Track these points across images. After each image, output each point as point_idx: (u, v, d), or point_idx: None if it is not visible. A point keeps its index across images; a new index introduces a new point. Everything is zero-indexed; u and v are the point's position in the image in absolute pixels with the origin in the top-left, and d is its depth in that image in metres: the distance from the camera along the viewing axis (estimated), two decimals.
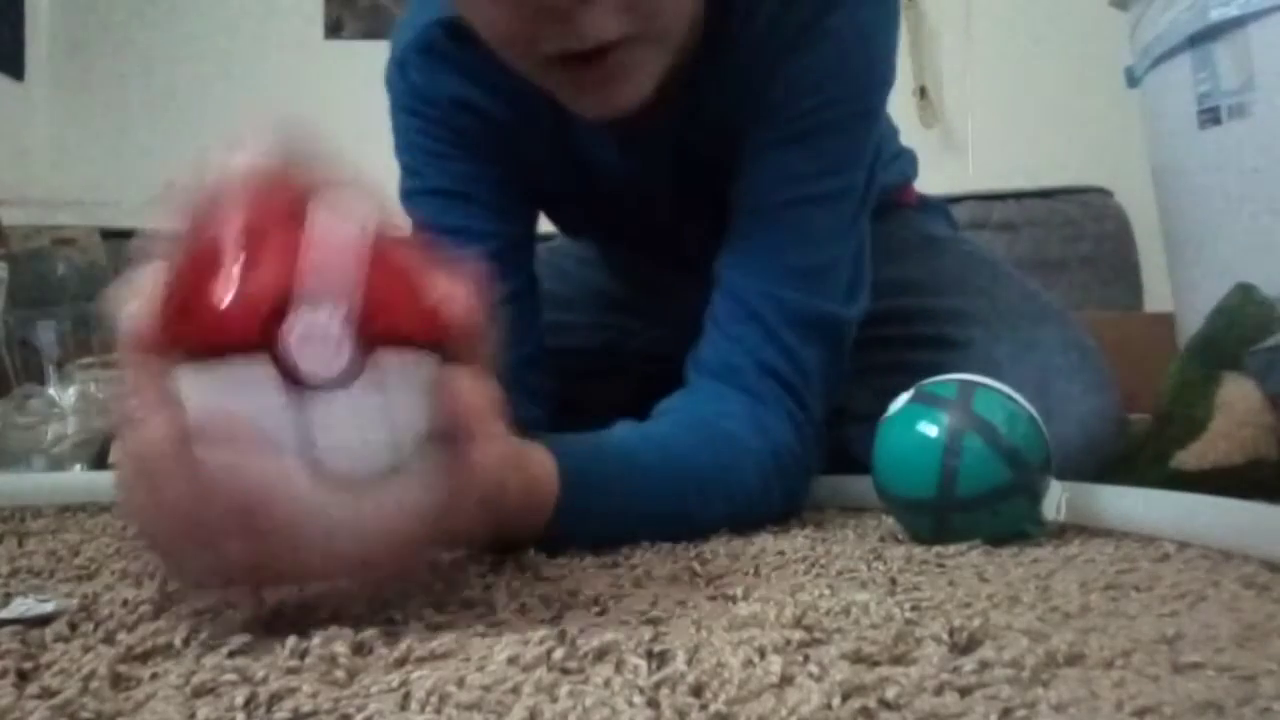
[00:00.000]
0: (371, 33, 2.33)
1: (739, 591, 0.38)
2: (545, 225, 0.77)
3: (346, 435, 0.31)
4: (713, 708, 0.25)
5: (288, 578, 0.32)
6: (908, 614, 0.34)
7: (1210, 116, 1.16)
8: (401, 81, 0.70)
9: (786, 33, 0.62)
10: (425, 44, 0.68)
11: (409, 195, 0.70)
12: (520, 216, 0.72)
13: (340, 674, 0.27)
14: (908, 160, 0.89)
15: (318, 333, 0.31)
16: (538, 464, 0.48)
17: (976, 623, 0.32)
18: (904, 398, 0.54)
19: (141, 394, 0.31)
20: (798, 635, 0.31)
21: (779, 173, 0.63)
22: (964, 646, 0.30)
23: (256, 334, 0.30)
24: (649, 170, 0.70)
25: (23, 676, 0.28)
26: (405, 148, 0.71)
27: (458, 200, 0.69)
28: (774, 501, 0.60)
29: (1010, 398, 0.52)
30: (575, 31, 0.52)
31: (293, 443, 0.30)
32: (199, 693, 0.26)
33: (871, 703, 0.25)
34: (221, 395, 0.30)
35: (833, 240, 0.63)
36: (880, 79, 0.67)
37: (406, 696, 0.26)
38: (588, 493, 0.49)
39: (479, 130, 0.68)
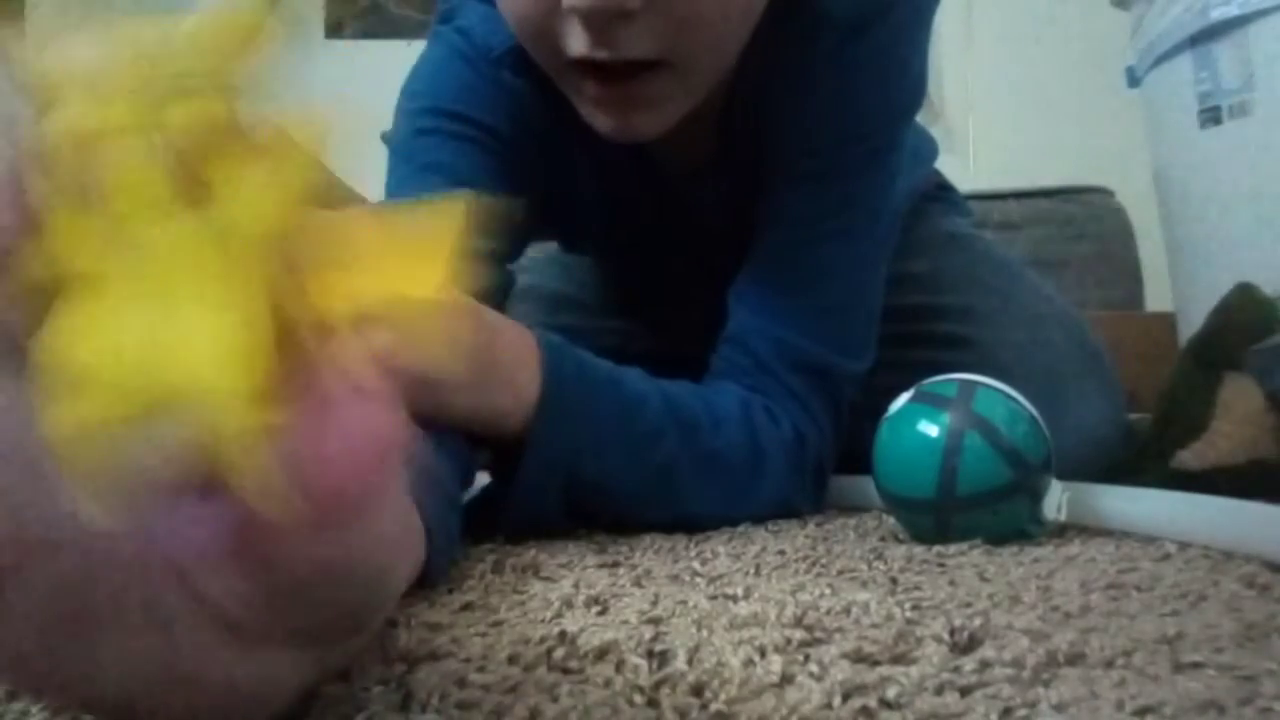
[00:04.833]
0: (371, 33, 2.34)
1: (739, 591, 0.38)
2: None
3: None
4: (713, 707, 0.25)
5: None
6: (908, 613, 0.34)
7: (1211, 116, 1.16)
8: (458, 35, 0.63)
9: (810, 63, 0.60)
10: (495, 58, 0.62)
11: (406, 136, 0.62)
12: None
13: (341, 674, 0.27)
14: (928, 147, 0.87)
15: None
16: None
17: (977, 622, 0.32)
18: (904, 397, 0.54)
19: None
20: (798, 634, 0.31)
21: (787, 212, 0.62)
22: (964, 646, 0.30)
23: None
24: (710, 202, 0.69)
25: None
26: (423, 75, 0.63)
27: (465, 144, 0.60)
28: (773, 484, 0.59)
29: (1011, 397, 0.52)
30: (607, 42, 0.50)
31: None
32: None
33: (872, 702, 0.25)
34: None
35: (836, 279, 0.62)
36: (903, 108, 0.64)
37: (407, 696, 0.25)
38: (571, 396, 0.47)
39: (530, 108, 0.61)
